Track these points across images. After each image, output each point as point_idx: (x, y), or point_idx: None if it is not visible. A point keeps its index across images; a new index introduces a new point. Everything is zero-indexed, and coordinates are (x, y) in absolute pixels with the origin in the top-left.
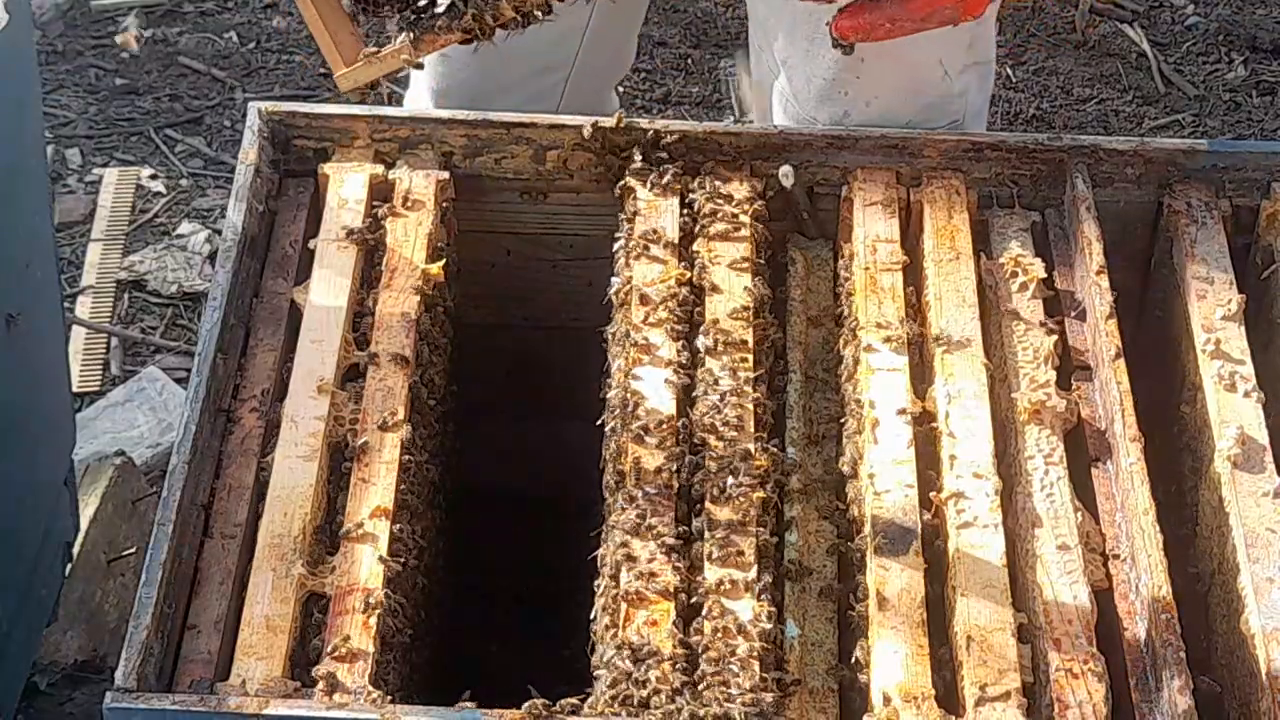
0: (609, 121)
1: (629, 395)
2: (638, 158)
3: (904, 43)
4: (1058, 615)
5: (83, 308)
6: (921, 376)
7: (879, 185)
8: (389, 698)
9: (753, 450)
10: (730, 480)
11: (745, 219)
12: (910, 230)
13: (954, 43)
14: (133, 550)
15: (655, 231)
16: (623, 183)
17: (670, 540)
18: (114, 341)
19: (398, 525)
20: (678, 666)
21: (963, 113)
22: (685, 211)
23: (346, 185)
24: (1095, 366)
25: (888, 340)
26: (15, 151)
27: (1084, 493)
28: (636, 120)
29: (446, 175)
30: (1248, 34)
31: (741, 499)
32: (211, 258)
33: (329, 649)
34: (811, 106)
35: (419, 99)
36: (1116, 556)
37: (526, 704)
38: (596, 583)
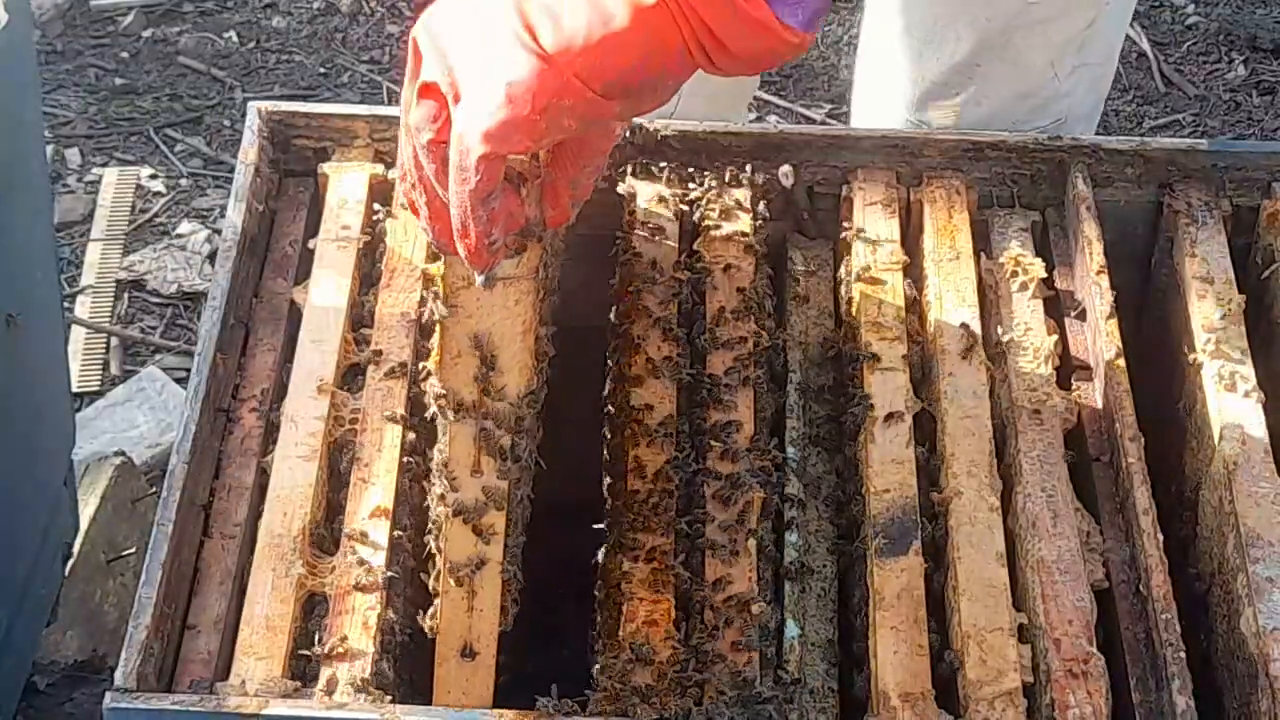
0: None
1: (629, 395)
2: (638, 157)
3: (1019, 46)
4: (1058, 615)
5: (83, 308)
6: (921, 376)
7: (879, 185)
8: (389, 698)
9: (753, 450)
10: (730, 480)
11: (745, 219)
12: (910, 230)
13: (1065, 44)
14: (133, 550)
15: (655, 231)
16: (622, 182)
17: (670, 540)
18: (114, 341)
19: (397, 526)
20: (677, 666)
21: (1066, 113)
22: (685, 211)
23: (346, 185)
24: (1095, 366)
25: (887, 340)
26: (15, 151)
27: (1084, 493)
28: (637, 120)
29: None
30: (1248, 34)
31: (741, 499)
32: (211, 258)
33: (329, 649)
34: (912, 109)
35: None
36: (1116, 556)
37: (539, 703)
38: (596, 583)
